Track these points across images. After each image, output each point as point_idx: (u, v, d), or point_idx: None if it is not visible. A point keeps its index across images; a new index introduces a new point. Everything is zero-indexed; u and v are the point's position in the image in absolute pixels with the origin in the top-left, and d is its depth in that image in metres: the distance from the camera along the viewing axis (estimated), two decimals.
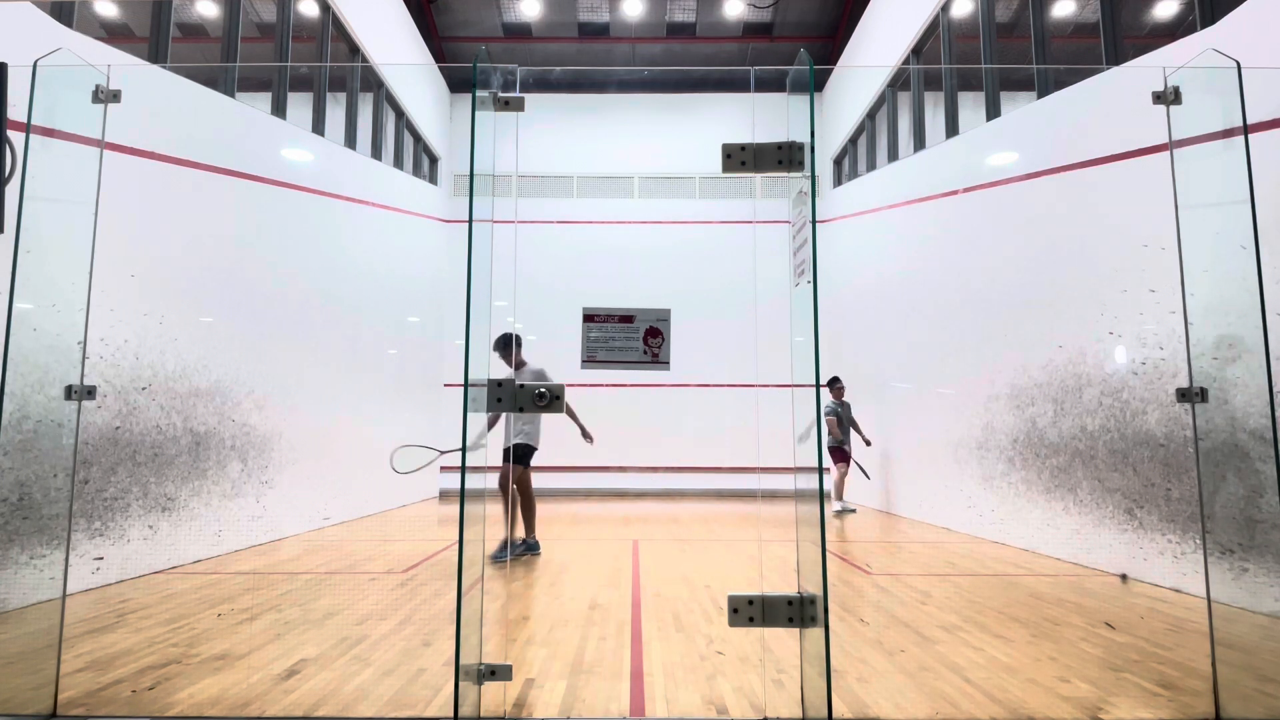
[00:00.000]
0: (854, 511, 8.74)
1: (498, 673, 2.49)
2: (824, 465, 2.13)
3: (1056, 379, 5.97)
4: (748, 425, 10.34)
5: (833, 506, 8.58)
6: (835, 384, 9.03)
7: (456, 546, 2.29)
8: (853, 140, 10.83)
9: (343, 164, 8.38)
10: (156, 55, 6.19)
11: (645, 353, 2.58)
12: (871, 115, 10.15)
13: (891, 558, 5.81)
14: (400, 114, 10.07)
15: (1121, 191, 5.39)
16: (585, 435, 5.96)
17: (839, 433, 8.80)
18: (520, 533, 5.84)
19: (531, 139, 11.43)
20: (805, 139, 2.44)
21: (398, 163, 9.99)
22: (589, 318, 2.58)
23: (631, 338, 2.57)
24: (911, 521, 8.12)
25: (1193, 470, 4.61)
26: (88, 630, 3.60)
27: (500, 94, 2.63)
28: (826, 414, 8.83)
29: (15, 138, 2.91)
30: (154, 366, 5.21)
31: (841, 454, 8.79)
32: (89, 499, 4.66)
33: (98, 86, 2.86)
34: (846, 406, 9.02)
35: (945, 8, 8.14)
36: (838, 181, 11.31)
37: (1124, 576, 4.14)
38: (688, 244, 11.50)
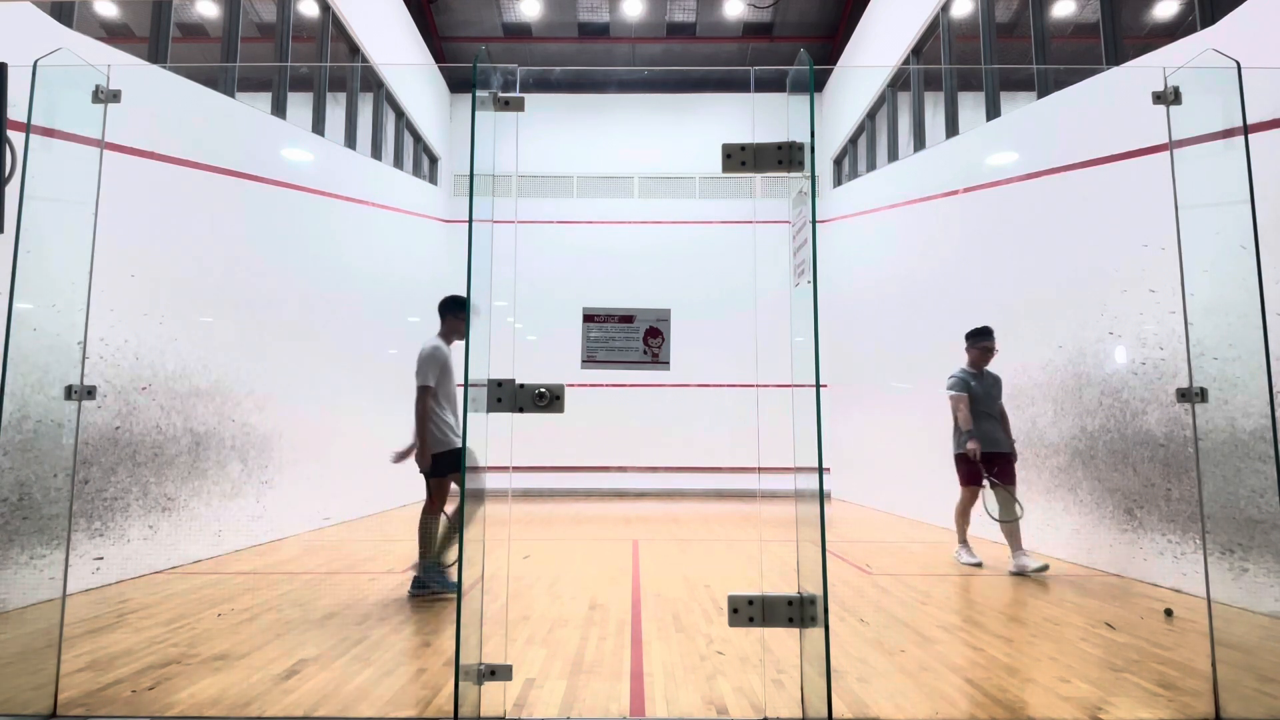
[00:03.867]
0: (979, 564, 5.41)
1: (498, 673, 2.49)
2: (824, 465, 2.08)
3: (1056, 379, 5.97)
4: (748, 425, 10.34)
5: (960, 556, 5.51)
6: (979, 339, 5.52)
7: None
8: (853, 140, 10.83)
9: (343, 164, 8.38)
10: (156, 55, 6.19)
11: (645, 353, 2.58)
12: (871, 115, 10.16)
13: (891, 558, 5.81)
14: (400, 114, 10.07)
15: (1121, 191, 5.39)
16: None
17: (968, 422, 5.34)
18: None
19: (531, 139, 11.44)
20: (805, 139, 2.44)
21: (398, 163, 9.99)
22: (589, 318, 2.58)
23: (631, 338, 2.57)
24: (912, 521, 8.11)
25: (1193, 470, 4.60)
26: (88, 630, 3.60)
27: (500, 94, 2.63)
28: (952, 390, 5.45)
29: (15, 138, 2.91)
30: (154, 366, 5.21)
31: (967, 465, 5.38)
32: (89, 499, 4.66)
33: (98, 86, 2.86)
34: (989, 380, 5.52)
35: (945, 8, 8.14)
36: (838, 181, 11.31)
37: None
38: (688, 244, 11.51)
